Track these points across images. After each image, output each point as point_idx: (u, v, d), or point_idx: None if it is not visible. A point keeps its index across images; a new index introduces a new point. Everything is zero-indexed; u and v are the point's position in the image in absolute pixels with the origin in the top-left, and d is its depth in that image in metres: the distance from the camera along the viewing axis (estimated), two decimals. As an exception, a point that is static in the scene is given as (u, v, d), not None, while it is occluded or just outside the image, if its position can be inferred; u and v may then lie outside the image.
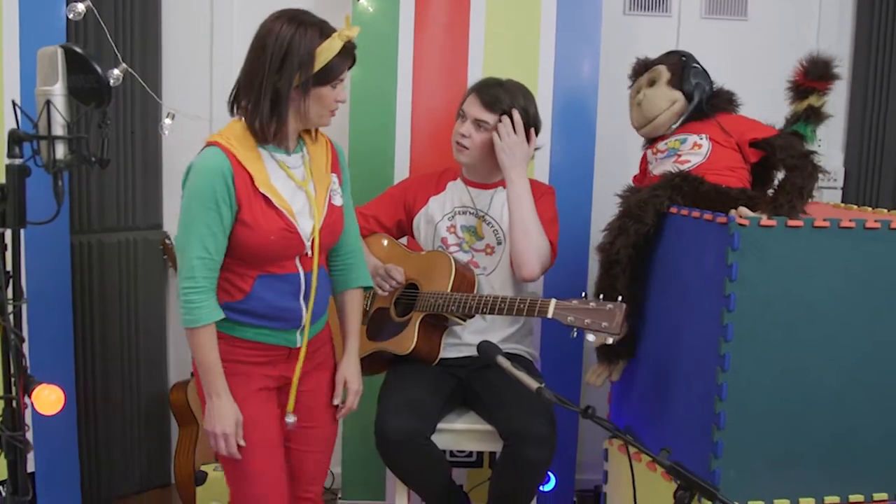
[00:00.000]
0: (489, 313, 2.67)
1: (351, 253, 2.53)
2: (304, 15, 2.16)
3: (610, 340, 2.43)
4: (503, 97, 2.82)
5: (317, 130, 2.36)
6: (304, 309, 2.30)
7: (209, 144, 2.17)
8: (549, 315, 2.50)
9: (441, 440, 2.75)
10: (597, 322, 2.41)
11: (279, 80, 2.12)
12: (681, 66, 2.73)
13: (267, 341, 2.29)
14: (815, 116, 2.58)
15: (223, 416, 2.20)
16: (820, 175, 2.36)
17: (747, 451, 2.23)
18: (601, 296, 2.46)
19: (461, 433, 2.82)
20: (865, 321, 2.24)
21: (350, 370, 2.49)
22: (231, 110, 2.24)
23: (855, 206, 2.87)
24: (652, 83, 2.75)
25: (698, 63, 2.75)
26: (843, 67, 2.64)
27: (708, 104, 2.71)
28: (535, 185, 2.91)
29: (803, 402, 2.24)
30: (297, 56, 2.10)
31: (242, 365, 2.27)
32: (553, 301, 2.51)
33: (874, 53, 3.75)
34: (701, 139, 2.61)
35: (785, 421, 2.24)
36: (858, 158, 3.81)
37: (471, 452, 3.32)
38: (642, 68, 2.84)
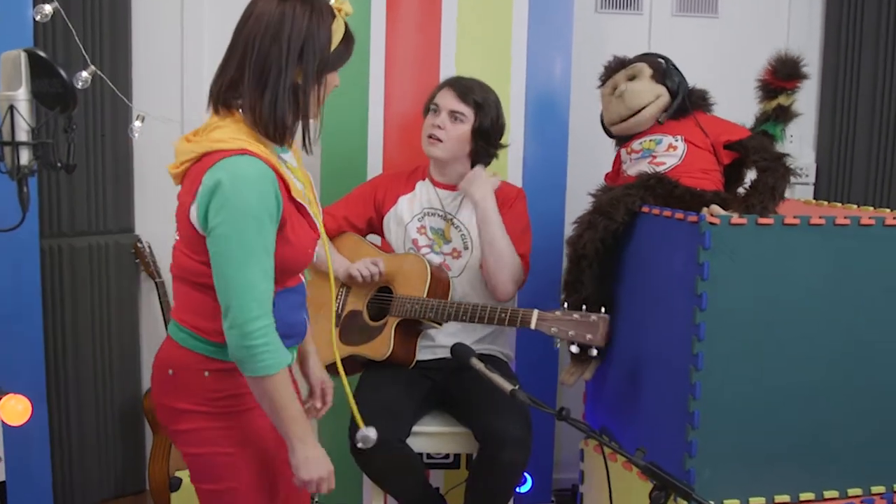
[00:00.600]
0: (469, 322, 2.66)
1: None
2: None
3: (594, 352, 2.45)
4: (476, 89, 2.84)
5: None
6: (307, 319, 2.10)
7: (236, 153, 1.79)
8: (532, 326, 2.52)
9: (416, 443, 2.74)
10: (581, 334, 2.44)
11: (301, 71, 1.85)
12: (662, 64, 2.73)
13: None
14: (784, 115, 2.60)
15: (321, 459, 1.92)
16: (791, 177, 2.38)
17: (722, 449, 2.24)
18: (584, 306, 2.50)
19: (436, 436, 2.82)
20: (837, 317, 2.26)
21: (321, 371, 2.29)
22: (217, 108, 1.92)
23: (826, 203, 2.88)
24: (632, 78, 2.72)
25: (675, 65, 2.75)
26: (812, 65, 2.66)
27: (688, 102, 2.71)
28: (505, 189, 2.91)
29: (777, 400, 2.25)
30: (317, 41, 1.86)
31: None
32: (535, 312, 2.53)
33: (843, 50, 3.77)
34: (676, 141, 2.60)
35: (759, 419, 2.24)
36: (829, 155, 3.83)
37: (447, 454, 3.31)
38: (618, 66, 2.82)
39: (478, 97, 2.82)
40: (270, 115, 1.85)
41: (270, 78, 1.83)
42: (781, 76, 2.58)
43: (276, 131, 1.87)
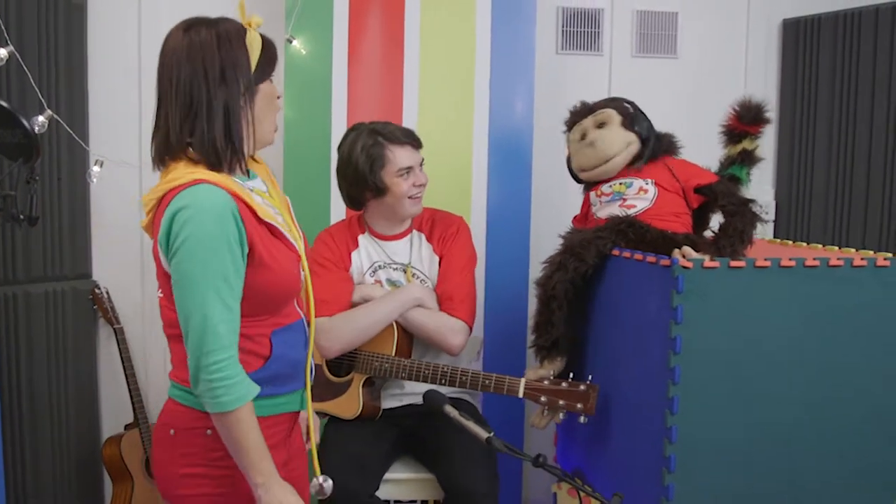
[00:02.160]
0: (449, 385, 2.63)
1: None
2: (201, 19, 1.84)
3: (582, 419, 2.46)
4: (405, 129, 2.82)
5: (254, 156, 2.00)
6: (309, 358, 2.00)
7: (192, 184, 1.75)
8: (520, 395, 2.52)
9: (384, 490, 2.71)
10: (571, 404, 2.46)
11: (228, 92, 1.79)
12: (629, 109, 2.72)
13: (284, 410, 1.96)
14: (748, 159, 2.64)
15: (288, 499, 1.81)
16: (758, 223, 2.40)
17: (699, 493, 2.23)
18: (570, 375, 2.51)
19: (403, 483, 2.79)
20: (810, 358, 2.26)
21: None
22: (164, 162, 1.85)
23: (790, 242, 2.91)
24: (601, 125, 2.70)
25: (641, 110, 2.75)
26: (769, 103, 2.69)
27: (657, 147, 2.71)
28: (443, 220, 2.90)
29: (753, 442, 2.24)
30: (236, 60, 1.80)
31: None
32: (523, 381, 2.53)
33: (800, 87, 3.83)
34: (647, 184, 2.60)
35: (735, 462, 2.24)
36: (788, 192, 3.88)
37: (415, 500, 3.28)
38: (585, 111, 2.79)
39: (414, 133, 2.81)
40: (211, 144, 1.79)
41: (200, 108, 1.78)
42: (746, 121, 2.61)
43: (220, 159, 1.81)
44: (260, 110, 1.87)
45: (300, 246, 1.95)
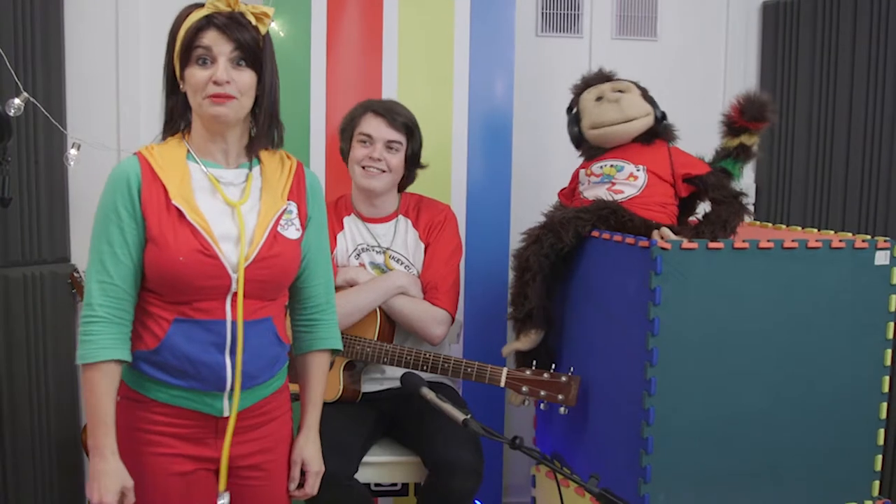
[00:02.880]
0: (430, 372, 2.63)
1: (317, 308, 2.14)
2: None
3: (563, 410, 2.48)
4: (402, 112, 2.81)
5: (285, 153, 2.10)
6: (227, 366, 1.91)
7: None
8: (501, 384, 2.53)
9: (364, 474, 2.70)
10: (552, 395, 2.48)
11: (168, 65, 1.92)
12: (645, 90, 2.72)
13: (183, 405, 1.92)
14: (744, 155, 2.60)
15: (106, 481, 1.81)
16: (745, 216, 2.40)
17: (676, 474, 2.25)
18: (553, 366, 2.53)
19: (384, 465, 2.78)
20: (788, 340, 2.28)
21: (308, 450, 2.11)
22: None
23: (770, 224, 2.92)
24: (619, 92, 2.68)
25: None
26: (749, 82, 2.67)
27: (661, 130, 2.70)
28: (431, 208, 2.90)
29: (730, 424, 2.26)
30: (172, 32, 1.88)
31: (156, 436, 1.91)
32: (504, 370, 2.55)
33: (780, 68, 3.83)
34: (638, 170, 2.59)
35: (712, 443, 2.26)
36: (768, 175, 3.88)
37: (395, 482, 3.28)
38: (602, 78, 2.78)
39: (406, 121, 2.79)
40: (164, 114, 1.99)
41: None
42: (747, 116, 2.56)
43: (165, 129, 2.00)
44: (189, 93, 1.91)
45: (244, 244, 1.90)
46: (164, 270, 1.86)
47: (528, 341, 2.64)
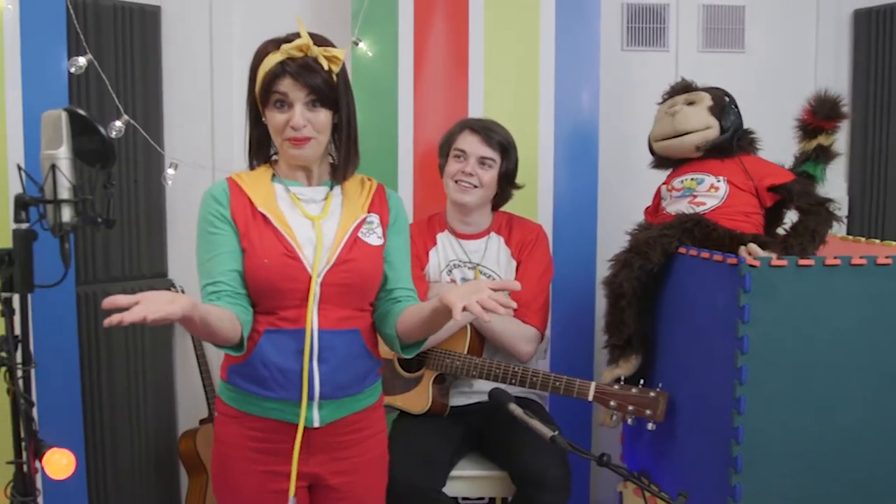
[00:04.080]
0: (519, 386, 2.65)
1: (408, 294, 2.15)
2: (288, 35, 1.98)
3: (650, 426, 2.46)
4: (498, 130, 2.84)
5: (366, 176, 2.17)
6: (316, 373, 1.97)
7: None
8: (590, 398, 2.53)
9: (452, 487, 2.72)
10: (640, 410, 2.47)
11: (251, 101, 2.04)
12: (723, 100, 2.69)
13: (275, 416, 1.99)
14: (824, 155, 2.57)
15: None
16: (834, 222, 2.36)
17: (765, 494, 2.21)
18: (641, 381, 2.51)
19: (472, 480, 2.80)
20: (882, 358, 2.22)
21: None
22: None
23: (863, 239, 2.86)
24: (690, 103, 2.69)
25: (737, 106, 2.73)
26: (842, 95, 2.63)
27: (735, 143, 2.67)
28: (523, 226, 2.92)
29: (822, 444, 2.21)
30: (252, 68, 2.00)
31: (252, 452, 2.00)
32: (593, 384, 2.54)
33: (873, 80, 3.75)
34: (719, 181, 2.58)
35: (804, 463, 2.21)
36: (861, 188, 3.80)
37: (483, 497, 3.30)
38: (683, 89, 2.80)
39: (502, 140, 2.82)
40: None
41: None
42: (821, 116, 2.54)
43: (248, 155, 2.13)
44: (270, 132, 2.03)
45: (319, 250, 1.98)
46: (251, 274, 1.95)
47: (629, 367, 2.63)
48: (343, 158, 2.08)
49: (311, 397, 1.97)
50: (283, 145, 1.99)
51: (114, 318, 1.49)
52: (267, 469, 2.00)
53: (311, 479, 2.06)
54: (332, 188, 2.10)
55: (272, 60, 1.93)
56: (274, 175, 2.08)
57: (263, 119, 2.01)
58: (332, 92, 1.97)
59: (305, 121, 1.95)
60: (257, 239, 1.96)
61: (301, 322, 1.96)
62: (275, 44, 1.96)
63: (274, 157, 2.12)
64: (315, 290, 1.95)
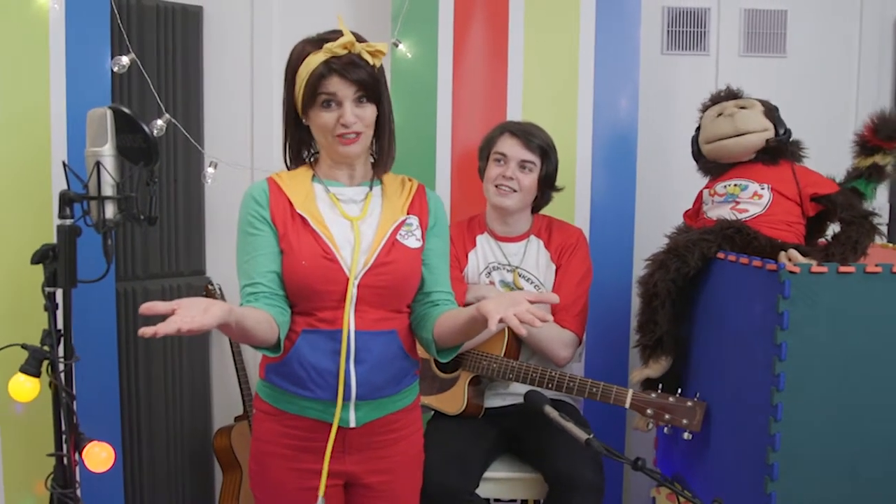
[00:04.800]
0: (555, 390, 2.65)
1: (447, 297, 2.17)
2: (323, 34, 2.00)
3: (686, 435, 2.46)
4: (538, 134, 2.84)
5: (407, 177, 2.20)
6: (352, 374, 1.99)
7: None
8: (626, 405, 2.53)
9: (485, 489, 2.73)
10: (677, 419, 2.46)
11: (289, 102, 2.04)
12: (773, 107, 2.68)
13: (312, 416, 2.01)
14: (877, 175, 2.51)
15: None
16: (877, 236, 2.33)
17: (801, 502, 2.19)
18: (679, 391, 2.50)
19: (505, 481, 2.80)
20: (922, 368, 2.20)
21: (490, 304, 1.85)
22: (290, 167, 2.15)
23: (905, 246, 2.83)
24: (742, 108, 2.66)
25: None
26: (884, 99, 2.59)
27: (787, 148, 2.65)
28: (563, 230, 2.92)
29: (857, 452, 2.19)
30: (290, 69, 2.01)
31: (289, 450, 2.04)
32: (630, 391, 2.54)
33: (916, 87, 3.71)
34: (762, 189, 2.56)
35: (841, 472, 2.19)
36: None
37: (515, 499, 3.30)
38: (729, 96, 2.77)
39: (542, 143, 2.81)
40: (284, 144, 2.11)
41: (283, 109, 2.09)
42: (882, 135, 2.48)
43: (287, 158, 2.13)
44: (317, 133, 2.04)
45: (357, 251, 2.00)
46: (289, 275, 1.98)
47: (658, 368, 2.62)
48: (385, 152, 2.11)
49: (347, 398, 1.99)
50: (333, 143, 2.01)
51: (148, 331, 1.52)
52: (302, 466, 2.03)
53: (346, 477, 2.08)
54: (371, 188, 2.11)
55: (315, 60, 1.94)
56: (314, 175, 2.10)
57: (304, 120, 2.03)
58: (377, 86, 2.00)
59: (355, 117, 1.97)
60: (296, 240, 1.98)
61: (338, 323, 1.98)
62: (313, 44, 1.97)
63: (314, 157, 2.14)
64: (352, 291, 1.97)
